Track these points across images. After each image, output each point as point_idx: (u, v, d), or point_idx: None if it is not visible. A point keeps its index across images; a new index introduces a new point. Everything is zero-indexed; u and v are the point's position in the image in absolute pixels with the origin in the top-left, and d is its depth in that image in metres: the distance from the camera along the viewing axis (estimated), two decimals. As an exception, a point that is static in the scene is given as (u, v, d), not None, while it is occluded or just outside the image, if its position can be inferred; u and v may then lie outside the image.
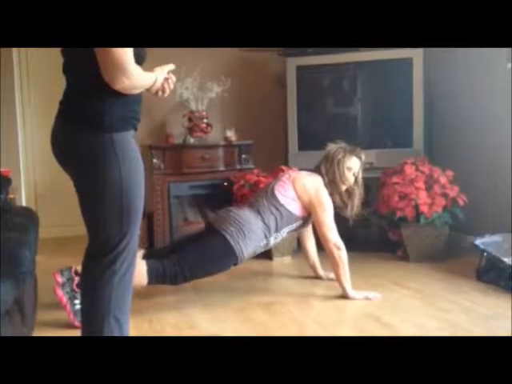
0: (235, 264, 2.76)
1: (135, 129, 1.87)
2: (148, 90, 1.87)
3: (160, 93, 1.92)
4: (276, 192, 2.90)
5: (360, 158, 3.03)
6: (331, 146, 3.07)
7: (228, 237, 2.70)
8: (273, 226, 2.84)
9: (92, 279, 1.84)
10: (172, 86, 1.94)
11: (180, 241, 2.92)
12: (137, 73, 1.72)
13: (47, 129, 1.90)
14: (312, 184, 2.93)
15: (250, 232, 2.75)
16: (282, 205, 2.86)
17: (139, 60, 1.76)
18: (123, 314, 1.86)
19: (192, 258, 2.65)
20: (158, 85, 1.89)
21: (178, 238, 3.08)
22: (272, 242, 2.89)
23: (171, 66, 1.94)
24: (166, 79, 1.91)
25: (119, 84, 1.69)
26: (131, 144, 1.81)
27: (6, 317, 1.80)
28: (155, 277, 2.59)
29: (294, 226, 2.94)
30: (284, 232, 2.91)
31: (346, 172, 2.98)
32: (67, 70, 1.82)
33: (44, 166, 4.61)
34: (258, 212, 2.84)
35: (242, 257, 2.73)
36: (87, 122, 1.75)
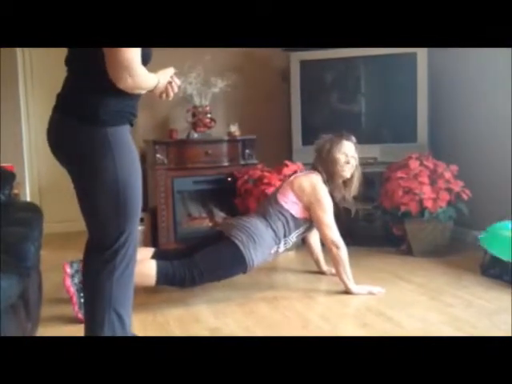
0: (244, 272, 2.78)
1: (131, 124, 1.86)
2: (151, 91, 1.87)
3: (164, 95, 1.93)
4: (279, 198, 2.92)
5: (351, 140, 2.99)
6: (316, 142, 3.05)
7: (239, 244, 2.71)
8: (281, 232, 2.85)
9: (92, 274, 1.84)
10: (176, 90, 1.94)
11: (191, 245, 2.92)
12: (142, 73, 1.72)
13: (51, 124, 1.90)
14: (308, 183, 2.93)
15: (260, 239, 2.77)
16: (286, 210, 2.88)
17: (145, 59, 1.76)
18: (125, 309, 1.85)
19: (202, 263, 2.66)
20: (161, 87, 1.89)
21: (190, 242, 3.08)
22: (282, 248, 2.91)
23: (172, 70, 1.94)
24: (170, 83, 1.91)
25: (123, 83, 1.69)
26: (127, 138, 1.81)
27: (11, 311, 1.80)
28: (164, 278, 2.61)
29: (302, 229, 2.95)
30: (293, 237, 2.92)
31: (341, 158, 2.92)
32: (68, 62, 1.83)
33: (48, 162, 4.59)
34: (266, 219, 2.86)
35: (251, 264, 2.74)
36: (83, 116, 1.75)
